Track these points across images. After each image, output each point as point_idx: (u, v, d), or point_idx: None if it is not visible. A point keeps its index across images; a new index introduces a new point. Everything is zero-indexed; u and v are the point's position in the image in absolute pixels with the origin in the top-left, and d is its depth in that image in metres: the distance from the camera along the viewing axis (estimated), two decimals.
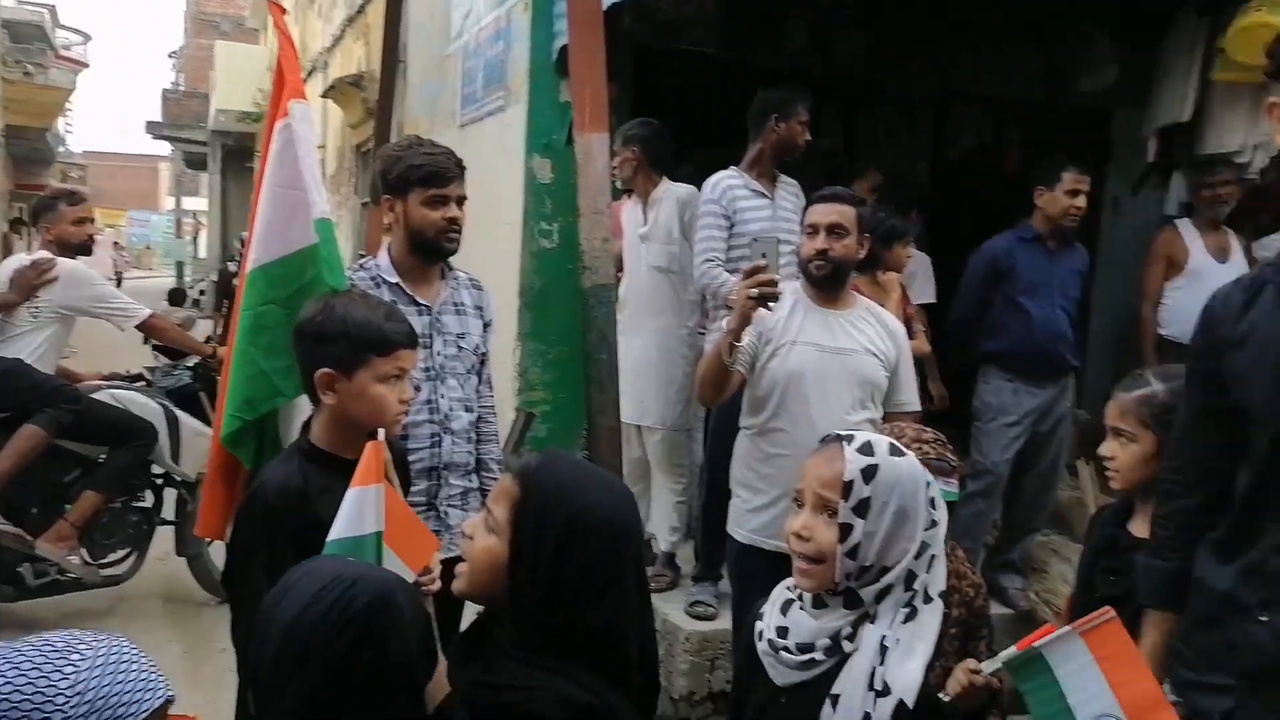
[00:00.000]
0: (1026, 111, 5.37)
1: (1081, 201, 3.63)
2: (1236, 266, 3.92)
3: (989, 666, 1.54)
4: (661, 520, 3.76)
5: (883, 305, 3.46)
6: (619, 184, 3.82)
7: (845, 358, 2.61)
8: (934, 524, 1.42)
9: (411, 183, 2.29)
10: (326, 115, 9.53)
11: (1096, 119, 5.14)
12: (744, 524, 2.66)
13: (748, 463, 2.70)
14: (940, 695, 1.53)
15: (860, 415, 2.60)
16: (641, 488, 3.89)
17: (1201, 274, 3.86)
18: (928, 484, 1.44)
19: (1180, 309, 3.96)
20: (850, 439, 1.43)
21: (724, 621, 3.28)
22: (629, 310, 3.81)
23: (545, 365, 4.90)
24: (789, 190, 3.52)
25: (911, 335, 3.68)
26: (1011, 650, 1.48)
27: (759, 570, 2.48)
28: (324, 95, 8.80)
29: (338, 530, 1.54)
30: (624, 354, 3.69)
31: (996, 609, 3.79)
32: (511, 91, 4.34)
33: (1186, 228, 4.08)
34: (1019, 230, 3.74)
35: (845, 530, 1.37)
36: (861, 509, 1.37)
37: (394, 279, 2.36)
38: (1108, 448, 1.85)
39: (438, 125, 5.39)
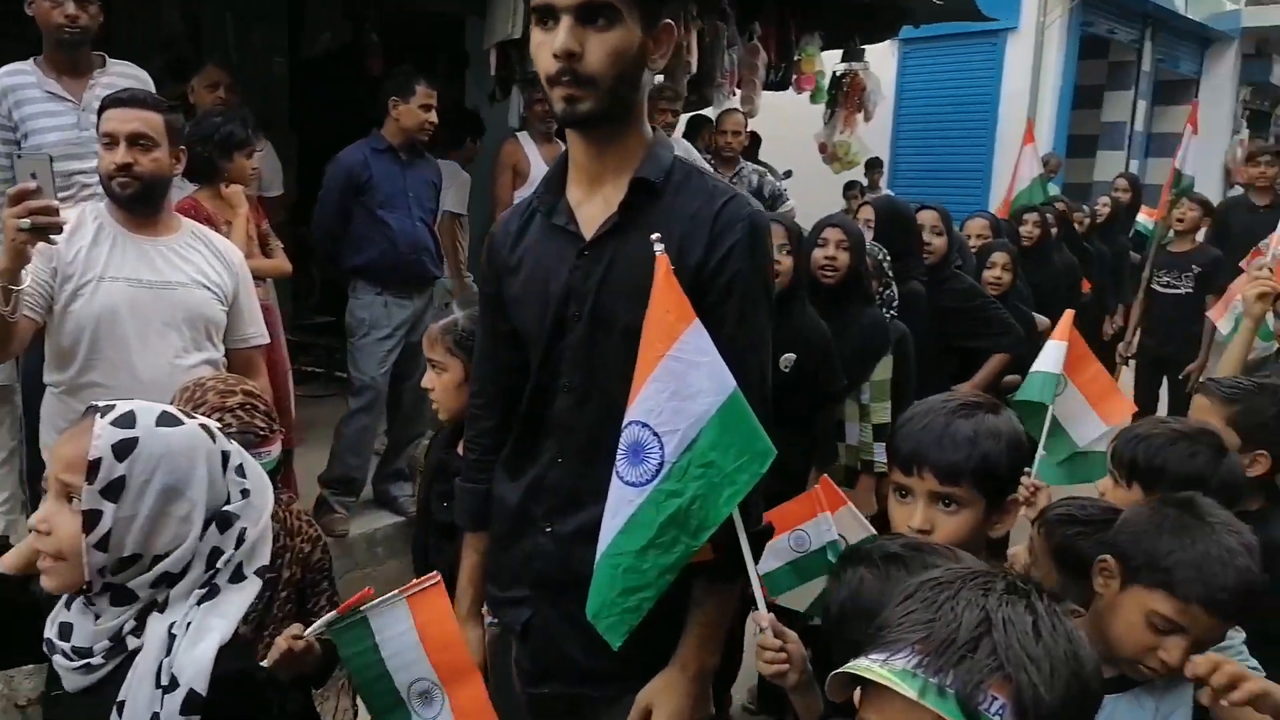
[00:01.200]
0: (386, 14, 5.26)
1: (434, 115, 3.67)
2: None
3: (311, 631, 1.46)
4: None
5: (229, 223, 3.15)
6: None
7: (170, 292, 2.28)
8: (243, 494, 1.28)
9: None
10: None
11: (453, 27, 5.25)
12: None
13: (57, 425, 2.25)
14: (261, 665, 1.42)
15: (196, 358, 2.31)
16: None
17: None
18: (225, 454, 1.28)
19: None
20: (109, 410, 1.20)
21: None
22: None
23: None
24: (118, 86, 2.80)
25: (269, 254, 3.43)
26: (333, 614, 1.43)
27: None
28: None
29: None
30: None
31: (390, 518, 3.89)
32: None
33: (526, 140, 4.40)
34: (371, 141, 3.66)
35: (92, 518, 1.15)
36: (113, 491, 1.16)
37: None
38: (427, 380, 1.86)
39: None
